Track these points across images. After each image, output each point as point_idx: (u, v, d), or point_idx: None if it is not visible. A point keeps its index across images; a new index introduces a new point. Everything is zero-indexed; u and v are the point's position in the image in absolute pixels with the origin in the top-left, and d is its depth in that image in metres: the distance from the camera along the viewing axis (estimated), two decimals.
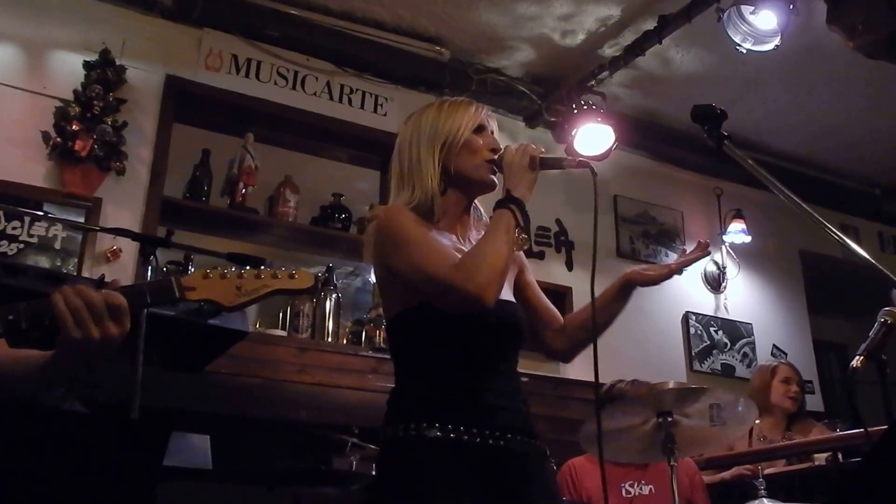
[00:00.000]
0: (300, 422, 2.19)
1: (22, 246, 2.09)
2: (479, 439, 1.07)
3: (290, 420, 2.20)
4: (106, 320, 0.77)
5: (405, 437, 1.08)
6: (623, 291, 1.24)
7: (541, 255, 2.93)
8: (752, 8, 2.26)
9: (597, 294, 1.19)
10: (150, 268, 1.61)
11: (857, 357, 1.11)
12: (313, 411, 2.24)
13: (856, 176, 3.64)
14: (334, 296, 2.53)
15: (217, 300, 0.82)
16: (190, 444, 1.45)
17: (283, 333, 2.44)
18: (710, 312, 3.22)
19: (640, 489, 2.00)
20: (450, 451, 1.06)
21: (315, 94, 2.67)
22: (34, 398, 0.83)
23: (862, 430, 1.77)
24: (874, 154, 3.42)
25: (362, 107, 2.74)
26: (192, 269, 2.27)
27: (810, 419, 2.54)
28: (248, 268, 0.85)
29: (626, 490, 2.00)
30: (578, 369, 2.93)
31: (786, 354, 3.27)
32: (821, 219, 1.02)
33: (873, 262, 1.01)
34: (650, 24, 2.55)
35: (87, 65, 2.29)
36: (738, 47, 2.34)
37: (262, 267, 0.85)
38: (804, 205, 1.02)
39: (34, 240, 2.12)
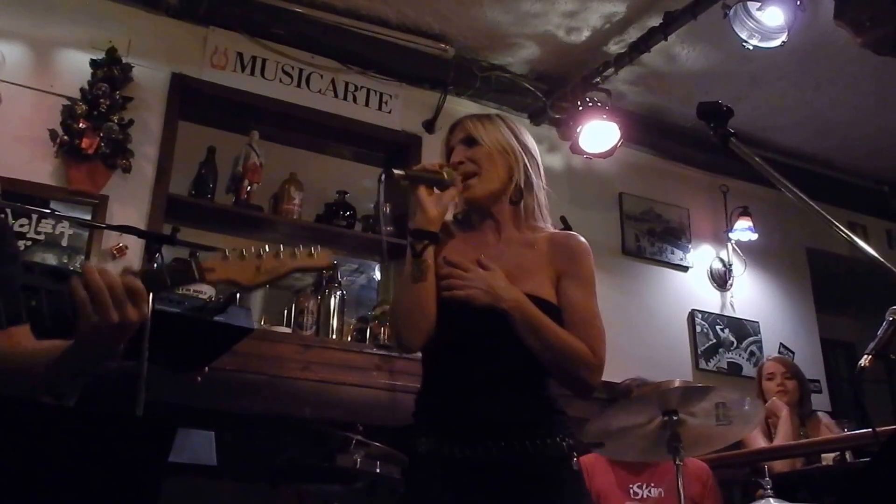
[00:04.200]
0: (304, 419, 2.20)
1: (29, 243, 2.10)
2: (452, 452, 1.07)
3: (294, 417, 2.20)
4: (125, 304, 0.75)
5: (408, 453, 1.12)
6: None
7: None
8: (759, 4, 2.24)
9: None
10: (155, 265, 1.61)
11: (866, 356, 1.10)
12: (317, 408, 2.25)
13: (863, 173, 3.60)
14: (339, 293, 2.53)
15: (237, 280, 0.81)
16: (194, 441, 1.46)
17: (288, 330, 2.44)
18: (717, 310, 3.20)
19: (649, 491, 1.99)
20: (432, 467, 1.08)
21: (320, 91, 2.67)
22: (38, 393, 0.83)
23: (870, 429, 1.75)
24: (882, 151, 3.39)
25: (367, 104, 2.74)
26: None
27: (816, 413, 2.48)
28: (266, 247, 0.83)
29: (634, 492, 1.99)
30: None
31: (793, 353, 3.24)
32: (828, 216, 1.01)
33: (881, 259, 1.00)
34: (655, 21, 2.53)
35: (93, 63, 2.30)
36: (744, 44, 2.32)
37: (281, 246, 0.84)
38: (811, 202, 1.01)
39: (41, 237, 2.13)
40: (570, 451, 1.11)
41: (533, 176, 1.21)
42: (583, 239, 1.21)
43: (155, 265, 0.88)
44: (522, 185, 1.19)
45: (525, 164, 1.20)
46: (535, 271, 1.15)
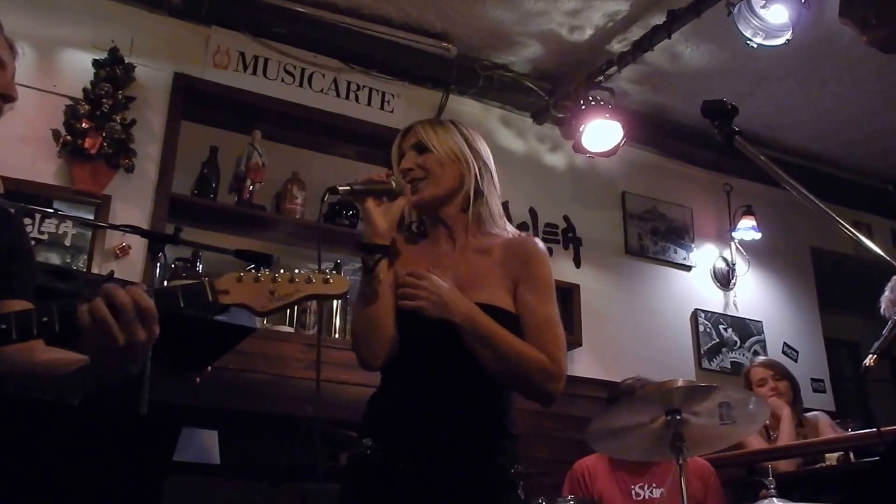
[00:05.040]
0: (307, 418, 2.20)
1: (33, 243, 2.09)
2: (394, 462, 1.06)
3: (296, 416, 2.20)
4: (134, 324, 0.75)
5: (352, 454, 1.12)
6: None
7: (549, 252, 2.91)
8: (763, 2, 2.23)
9: None
10: (158, 264, 1.62)
11: (870, 355, 1.09)
12: (320, 407, 2.25)
13: (868, 172, 3.59)
14: None
15: (250, 304, 0.81)
16: (198, 440, 1.46)
17: (291, 330, 2.45)
18: (720, 310, 3.19)
19: (651, 492, 1.98)
20: (372, 472, 1.07)
21: (322, 91, 2.67)
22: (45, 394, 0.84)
23: (874, 429, 1.75)
24: (887, 149, 3.37)
25: (369, 103, 2.74)
26: (201, 267, 2.28)
27: (813, 413, 2.45)
28: (282, 271, 0.83)
29: (636, 493, 1.99)
30: (586, 367, 2.93)
31: (797, 352, 3.23)
32: (834, 215, 1.00)
33: (887, 258, 1.00)
34: (659, 19, 2.53)
35: (96, 63, 2.31)
36: (748, 42, 2.31)
37: (298, 270, 0.84)
38: (817, 201, 1.00)
39: (45, 237, 2.14)
40: (517, 480, 1.08)
41: (484, 183, 1.18)
42: (539, 243, 1.18)
43: (169, 284, 0.87)
44: (472, 193, 1.17)
45: (477, 172, 1.18)
46: (489, 279, 1.13)
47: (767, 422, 2.35)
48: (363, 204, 1.11)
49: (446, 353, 1.08)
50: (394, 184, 1.13)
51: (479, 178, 1.18)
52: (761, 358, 2.72)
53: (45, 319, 0.76)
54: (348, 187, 1.11)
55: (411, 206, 1.18)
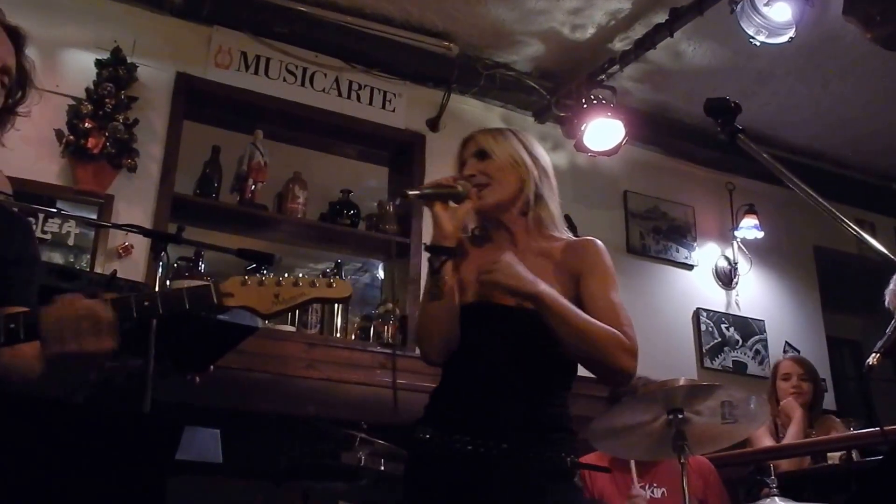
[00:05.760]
0: (309, 417, 2.20)
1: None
2: (452, 443, 1.09)
3: (298, 415, 2.21)
4: (83, 335, 0.77)
5: (410, 444, 1.15)
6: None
7: None
8: None
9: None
10: (161, 263, 1.62)
11: (874, 355, 1.09)
12: (322, 406, 2.26)
13: (872, 170, 3.58)
14: None
15: (255, 307, 0.82)
16: (200, 438, 1.46)
17: (292, 329, 2.45)
18: (722, 309, 3.19)
19: (653, 491, 1.98)
20: (431, 455, 1.10)
21: (324, 90, 2.67)
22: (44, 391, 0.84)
23: (877, 428, 1.74)
24: (891, 147, 3.36)
25: (371, 103, 2.74)
26: (203, 266, 2.29)
27: (828, 416, 2.45)
28: (286, 274, 0.85)
29: (638, 492, 1.98)
30: None
31: (798, 352, 3.22)
32: (837, 213, 1.00)
33: (891, 256, 0.99)
34: (661, 17, 2.52)
35: (98, 63, 2.31)
36: (751, 40, 2.30)
37: (301, 275, 0.86)
38: (820, 199, 1.00)
39: (48, 236, 2.14)
40: (572, 467, 1.11)
41: (545, 188, 1.23)
42: (598, 242, 1.23)
43: (174, 285, 0.89)
44: (533, 197, 1.21)
45: (536, 177, 1.22)
46: (550, 281, 1.15)
47: (779, 420, 2.36)
48: (432, 207, 1.16)
49: (513, 343, 1.12)
50: (460, 188, 1.17)
51: (538, 182, 1.23)
52: (793, 353, 2.72)
53: (12, 326, 0.79)
54: (418, 191, 1.18)
55: (474, 212, 1.22)
